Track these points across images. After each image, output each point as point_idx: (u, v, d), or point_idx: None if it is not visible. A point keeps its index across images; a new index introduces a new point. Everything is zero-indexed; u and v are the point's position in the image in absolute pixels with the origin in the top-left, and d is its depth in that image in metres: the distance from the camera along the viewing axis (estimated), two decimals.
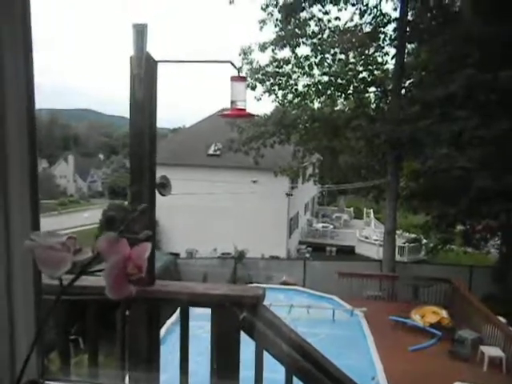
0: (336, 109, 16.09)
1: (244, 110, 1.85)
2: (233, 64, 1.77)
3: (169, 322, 7.23)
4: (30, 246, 0.58)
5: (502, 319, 9.55)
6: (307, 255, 20.46)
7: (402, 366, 8.17)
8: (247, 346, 1.99)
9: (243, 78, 1.92)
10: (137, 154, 1.87)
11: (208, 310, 1.96)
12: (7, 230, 0.78)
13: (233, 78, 1.80)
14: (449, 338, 9.48)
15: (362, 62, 14.09)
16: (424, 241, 19.05)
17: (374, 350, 9.08)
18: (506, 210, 10.16)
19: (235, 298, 1.87)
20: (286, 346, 1.85)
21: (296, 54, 14.02)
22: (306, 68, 14.03)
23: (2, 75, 0.77)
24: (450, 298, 11.92)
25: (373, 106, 14.94)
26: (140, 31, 1.80)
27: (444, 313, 10.46)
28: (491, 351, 8.67)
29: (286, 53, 14.12)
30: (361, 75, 14.09)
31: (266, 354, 1.93)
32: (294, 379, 1.91)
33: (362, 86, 14.16)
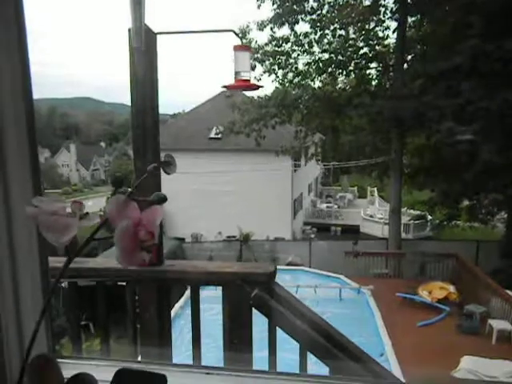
0: (337, 87, 15.87)
1: (248, 80, 1.78)
2: (235, 33, 1.69)
3: (177, 305, 7.27)
4: (33, 213, 0.53)
5: (510, 293, 9.56)
6: (312, 236, 20.48)
7: (410, 342, 8.22)
8: (260, 325, 1.96)
9: (247, 47, 1.84)
10: (139, 130, 1.81)
11: (216, 293, 1.93)
12: (8, 219, 0.73)
13: (236, 48, 1.73)
14: (457, 312, 9.52)
15: (362, 37, 13.81)
16: (429, 217, 19.05)
17: (382, 326, 9.13)
18: None
19: (246, 275, 1.84)
20: (300, 321, 1.82)
21: (295, 32, 13.74)
22: (306, 46, 13.77)
23: None
24: (457, 274, 11.92)
25: (375, 82, 14.70)
26: (137, 2, 1.72)
27: (451, 288, 10.48)
28: (500, 324, 8.70)
29: (284, 31, 13.87)
30: (361, 51, 13.83)
31: (279, 333, 1.91)
32: (309, 356, 1.88)
33: (363, 62, 13.91)
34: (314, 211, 24.68)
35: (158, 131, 1.83)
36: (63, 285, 2.11)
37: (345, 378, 0.89)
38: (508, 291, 9.59)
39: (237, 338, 1.85)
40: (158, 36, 1.85)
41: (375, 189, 27.14)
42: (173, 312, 6.89)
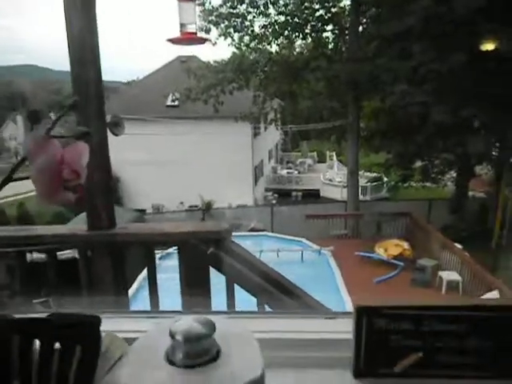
0: (295, 51, 15.70)
1: (195, 33, 1.71)
2: None
3: (140, 277, 7.20)
4: None
5: (458, 246, 10.20)
6: (274, 201, 20.76)
7: (368, 297, 8.64)
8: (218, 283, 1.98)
9: None
10: (82, 91, 1.71)
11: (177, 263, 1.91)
12: None
13: None
14: (411, 267, 10.07)
15: None
16: (385, 179, 19.72)
17: (342, 284, 9.53)
18: (462, 143, 10.52)
19: (201, 233, 1.83)
20: (256, 276, 1.85)
21: None
22: (262, 7, 13.42)
23: None
24: (411, 231, 12.54)
25: (331, 46, 14.65)
26: None
27: (405, 245, 11.03)
28: (449, 276, 9.31)
29: None
30: (317, 13, 13.66)
31: (237, 290, 1.94)
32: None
33: (319, 25, 13.77)
34: (275, 177, 24.90)
35: (102, 86, 1.74)
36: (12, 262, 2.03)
37: (288, 313, 0.91)
38: (457, 244, 10.23)
39: (195, 296, 1.86)
40: None
41: (334, 153, 27.64)
42: (136, 284, 6.86)
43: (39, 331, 0.51)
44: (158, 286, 1.94)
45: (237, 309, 1.98)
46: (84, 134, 0.55)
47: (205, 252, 1.81)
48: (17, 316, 0.57)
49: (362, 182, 17.82)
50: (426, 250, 10.91)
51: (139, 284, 6.67)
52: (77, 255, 2.01)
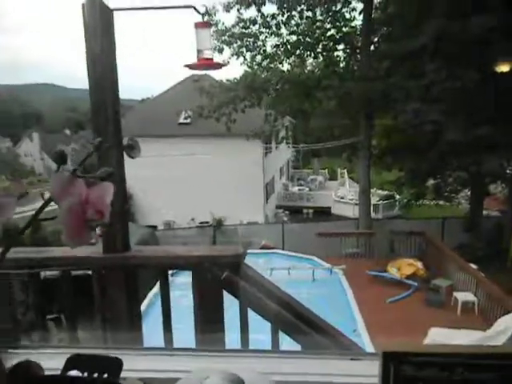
0: (306, 70, 15.84)
1: (211, 59, 1.73)
2: (196, 9, 1.63)
3: (150, 294, 7.19)
4: None
5: (473, 266, 9.99)
6: (285, 219, 20.68)
7: (381, 317, 8.49)
8: (231, 307, 1.96)
9: (207, 24, 1.78)
10: (99, 111, 1.74)
11: (189, 279, 1.90)
12: None
13: (197, 25, 1.67)
14: (424, 287, 9.88)
15: (329, 18, 13.79)
16: (397, 197, 19.55)
17: (354, 304, 9.38)
18: (476, 161, 10.40)
19: (215, 257, 1.82)
20: (270, 301, 1.82)
21: (262, 13, 13.57)
22: (274, 27, 13.63)
23: None
24: (424, 250, 12.35)
25: (342, 64, 14.77)
26: None
27: (419, 264, 10.84)
28: (464, 296, 9.10)
29: (251, 12, 13.66)
30: (329, 33, 13.82)
31: (251, 315, 1.91)
32: (281, 335, 1.90)
33: (330, 44, 13.92)
34: (286, 194, 24.87)
35: (120, 113, 1.76)
36: (25, 278, 2.04)
37: (312, 353, 0.89)
38: (471, 264, 10.02)
39: (209, 321, 1.84)
40: (115, 13, 1.77)
41: (345, 170, 27.56)
42: (147, 300, 6.84)
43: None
44: (171, 308, 1.93)
45: (250, 333, 1.95)
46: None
47: (219, 276, 1.79)
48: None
49: (374, 199, 17.71)
50: (440, 270, 10.71)
51: (150, 300, 6.66)
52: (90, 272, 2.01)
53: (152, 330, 2.10)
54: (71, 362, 0.52)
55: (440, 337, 6.66)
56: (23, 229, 0.53)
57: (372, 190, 15.91)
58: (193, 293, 1.87)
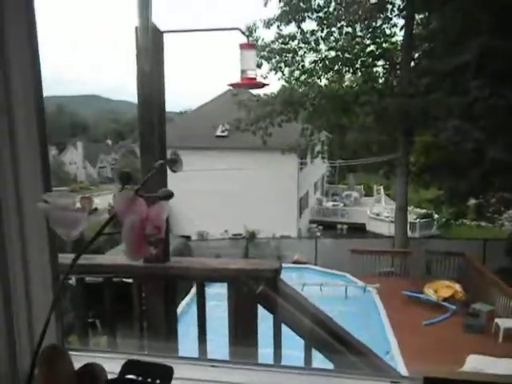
0: (344, 85, 15.80)
1: (255, 79, 1.79)
2: (241, 31, 1.70)
3: (183, 302, 7.30)
4: (44, 208, 0.55)
5: None
6: (318, 234, 20.47)
7: (416, 340, 8.20)
8: (265, 322, 1.98)
9: (252, 46, 1.85)
10: (146, 127, 1.83)
11: (222, 290, 1.94)
12: (20, 217, 0.75)
13: (242, 46, 1.74)
14: (463, 311, 9.47)
15: (369, 34, 13.75)
16: (436, 216, 18.95)
17: (388, 325, 9.12)
18: None
19: (252, 271, 1.85)
20: (305, 318, 1.83)
21: (302, 29, 13.71)
22: (313, 43, 13.73)
23: (7, 65, 0.73)
24: (464, 272, 11.86)
25: (381, 80, 14.63)
26: (145, 0, 1.73)
27: (457, 287, 10.43)
28: (506, 323, 8.65)
29: (291, 28, 13.83)
30: (368, 49, 13.77)
31: (284, 330, 1.92)
32: (313, 352, 1.90)
33: (369, 60, 13.85)
34: (320, 209, 24.64)
35: (165, 129, 1.85)
36: (71, 282, 2.13)
37: (348, 372, 0.90)
38: None
39: (242, 334, 1.86)
40: (165, 34, 1.87)
41: (381, 187, 27.04)
42: (179, 309, 6.94)
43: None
44: (206, 319, 1.97)
45: (283, 348, 1.96)
46: (168, 195, 0.60)
47: (254, 290, 1.82)
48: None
49: (411, 217, 17.24)
50: (480, 294, 10.24)
51: (183, 309, 6.75)
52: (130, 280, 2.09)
53: (184, 340, 2.14)
54: (127, 367, 0.56)
55: (479, 364, 6.36)
56: (91, 240, 0.59)
57: (409, 208, 15.52)
58: (228, 305, 1.91)
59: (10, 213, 0.72)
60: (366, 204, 25.43)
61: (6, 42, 0.72)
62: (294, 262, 14.12)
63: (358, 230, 21.56)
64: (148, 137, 1.81)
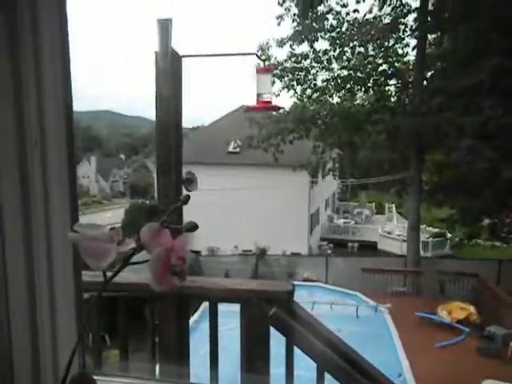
0: (356, 103, 15.88)
1: (270, 102, 1.83)
2: (258, 56, 1.74)
3: (192, 319, 7.27)
4: (75, 238, 0.57)
5: None
6: (329, 251, 20.31)
7: (429, 363, 8.01)
8: (277, 343, 1.97)
9: (269, 70, 1.89)
10: (163, 149, 1.87)
11: (231, 307, 1.94)
12: (47, 228, 0.77)
13: (259, 71, 1.78)
14: (476, 334, 9.25)
15: (381, 54, 13.86)
16: (449, 235, 18.70)
17: (400, 346, 8.93)
18: None
19: (265, 293, 1.85)
20: (318, 341, 1.82)
21: (314, 49, 13.88)
22: (325, 62, 13.88)
23: (42, 96, 0.75)
24: (478, 294, 11.62)
25: (393, 99, 14.68)
26: (165, 26, 1.79)
27: (472, 309, 10.21)
28: None
29: (304, 47, 14.02)
30: (381, 68, 13.86)
31: (296, 351, 1.91)
32: (326, 376, 1.88)
33: (382, 79, 13.93)
34: (331, 227, 24.52)
35: (181, 151, 1.89)
36: (85, 296, 2.16)
37: None
38: None
39: (254, 356, 1.86)
40: (183, 58, 1.92)
41: (393, 205, 26.85)
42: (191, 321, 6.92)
43: None
44: (218, 342, 1.97)
45: (296, 369, 1.94)
46: (193, 227, 0.62)
47: (267, 311, 1.82)
48: None
49: (424, 236, 17.05)
50: (496, 317, 10.00)
51: (190, 327, 6.71)
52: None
53: (194, 356, 2.14)
54: None
55: None
56: (116, 272, 0.61)
57: (421, 227, 15.35)
58: (240, 327, 1.90)
59: (39, 233, 0.75)
60: (378, 222, 25.24)
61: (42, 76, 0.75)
62: (304, 280, 13.99)
63: (369, 248, 21.36)
64: (165, 158, 1.84)
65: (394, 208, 26.76)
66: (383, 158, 15.01)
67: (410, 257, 14.12)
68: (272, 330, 1.88)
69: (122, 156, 54.51)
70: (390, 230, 22.89)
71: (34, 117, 0.73)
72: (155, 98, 1.88)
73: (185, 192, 0.75)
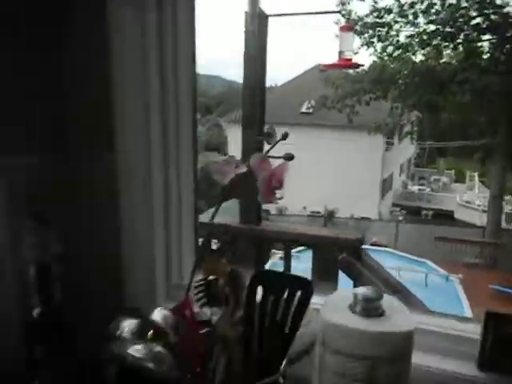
0: (441, 61, 14.75)
1: (351, 59, 1.89)
2: (342, 14, 1.80)
3: (267, 266, 7.69)
4: (207, 163, 0.78)
5: None
6: (400, 218, 19.76)
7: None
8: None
9: (351, 27, 1.95)
10: (249, 104, 2.04)
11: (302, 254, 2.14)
12: (178, 162, 1.03)
13: (342, 28, 1.84)
14: None
15: (476, 5, 12.58)
16: None
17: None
18: None
19: (336, 240, 2.01)
20: (384, 287, 1.96)
21: (399, 2, 12.97)
22: (410, 17, 12.95)
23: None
24: None
25: (485, 56, 13.40)
26: None
27: None
28: None
29: (388, 1, 13.17)
30: (474, 21, 12.64)
31: None
32: None
33: (474, 34, 12.73)
34: (405, 193, 23.66)
35: (264, 107, 2.05)
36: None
37: None
38: None
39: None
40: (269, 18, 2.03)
41: (476, 173, 25.07)
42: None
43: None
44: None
45: None
46: (290, 157, 0.78)
47: (337, 256, 1.99)
48: None
49: (507, 208, 15.92)
50: None
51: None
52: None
53: None
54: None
55: None
56: (223, 199, 0.80)
57: (506, 198, 14.34)
58: (312, 269, 2.10)
59: (172, 166, 1.00)
60: (456, 190, 23.84)
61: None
62: (372, 244, 13.89)
63: (444, 216, 20.40)
64: (250, 113, 2.02)
65: (476, 176, 25.01)
66: (468, 121, 13.97)
67: (489, 227, 13.37)
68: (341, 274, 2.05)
69: (198, 115, 56.02)
70: (469, 199, 21.56)
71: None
72: (243, 58, 2.03)
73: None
